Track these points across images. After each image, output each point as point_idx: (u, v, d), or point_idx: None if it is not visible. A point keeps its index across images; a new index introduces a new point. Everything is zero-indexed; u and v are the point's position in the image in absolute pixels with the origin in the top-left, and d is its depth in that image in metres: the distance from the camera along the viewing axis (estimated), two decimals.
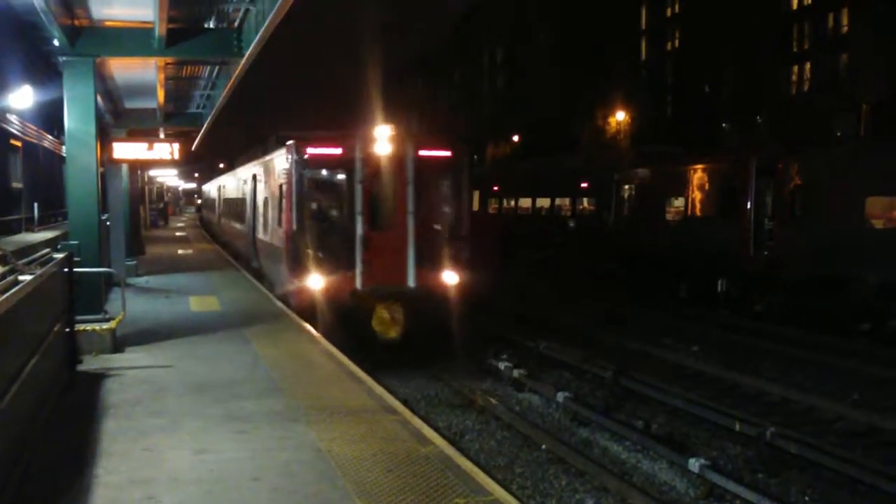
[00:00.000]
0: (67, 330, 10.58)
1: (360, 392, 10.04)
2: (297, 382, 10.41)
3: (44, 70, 21.17)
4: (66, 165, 15.00)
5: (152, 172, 45.94)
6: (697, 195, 22.78)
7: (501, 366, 14.33)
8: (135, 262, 23.36)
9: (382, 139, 14.85)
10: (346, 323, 14.28)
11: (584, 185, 30.19)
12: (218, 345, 13.00)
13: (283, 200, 15.70)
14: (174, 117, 28.39)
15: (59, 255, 11.37)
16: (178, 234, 48.28)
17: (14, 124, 19.26)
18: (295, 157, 14.98)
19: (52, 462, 7.36)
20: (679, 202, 23.86)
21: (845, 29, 54.42)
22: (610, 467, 9.90)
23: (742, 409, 11.92)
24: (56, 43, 14.45)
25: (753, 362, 15.30)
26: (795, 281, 18.89)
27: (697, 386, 13.68)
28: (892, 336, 16.56)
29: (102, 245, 16.08)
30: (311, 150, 14.96)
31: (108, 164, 20.60)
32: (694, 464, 9.31)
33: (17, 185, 20.98)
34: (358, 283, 14.57)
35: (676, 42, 68.80)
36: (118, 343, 12.53)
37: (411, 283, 14.82)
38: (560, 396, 12.42)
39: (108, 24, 14.35)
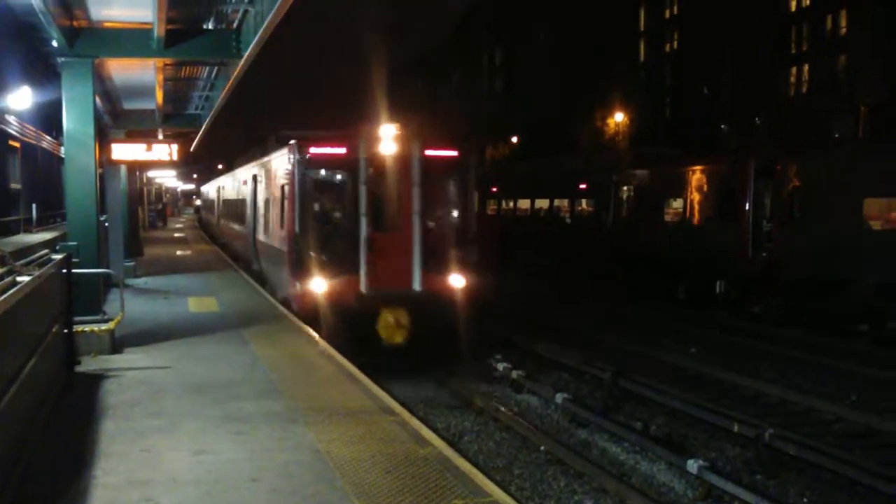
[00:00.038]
0: (66, 331, 10.57)
1: (359, 393, 10.04)
2: (296, 383, 10.40)
3: (42, 71, 21.16)
4: (65, 166, 15.00)
5: (151, 173, 45.92)
6: (696, 197, 22.79)
7: (500, 367, 14.33)
8: (133, 263, 23.35)
9: (387, 138, 14.54)
10: (351, 327, 13.93)
11: (582, 186, 30.22)
12: (216, 346, 13.00)
13: (285, 202, 15.39)
14: (173, 118, 28.38)
15: (58, 256, 11.36)
16: (176, 235, 48.25)
17: (13, 125, 19.27)
18: (297, 156, 14.68)
19: (51, 463, 7.36)
20: (677, 204, 23.87)
21: (844, 31, 54.51)
22: (609, 468, 9.90)
23: (741, 411, 11.92)
24: (55, 44, 14.44)
25: (752, 363, 15.30)
26: (794, 282, 18.90)
27: (696, 387, 13.68)
28: (890, 337, 16.59)
29: (101, 246, 16.08)
30: (313, 150, 14.65)
31: (106, 165, 20.58)
32: (692, 465, 9.31)
33: (15, 186, 20.99)
34: (362, 287, 14.21)
35: (675, 43, 68.87)
36: (117, 344, 12.52)
37: (417, 286, 14.47)
38: (559, 397, 12.43)
39: (106, 25, 14.35)
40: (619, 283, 24.91)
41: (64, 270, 10.57)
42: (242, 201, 24.33)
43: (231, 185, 29.63)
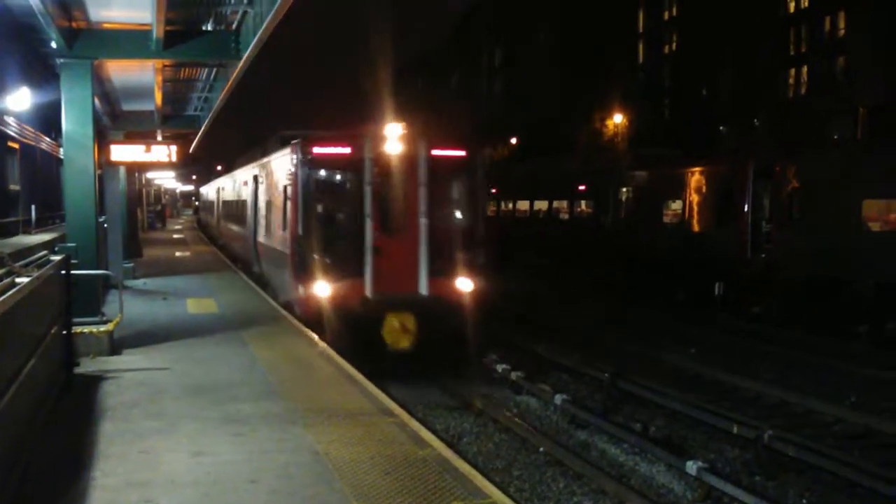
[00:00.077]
0: (65, 332, 10.54)
1: (358, 395, 10.03)
2: (295, 385, 10.39)
3: (41, 72, 21.15)
4: (64, 167, 15.00)
5: (150, 175, 45.88)
6: (695, 198, 22.81)
7: (499, 368, 14.31)
8: (132, 265, 23.31)
9: (393, 138, 14.14)
10: (355, 332, 13.52)
11: (581, 187, 30.23)
12: (215, 347, 12.98)
13: (288, 203, 15.04)
14: (172, 119, 28.37)
15: (57, 258, 11.35)
16: (175, 236, 48.24)
17: (11, 126, 19.25)
18: (300, 157, 14.32)
19: (50, 464, 7.35)
20: (676, 205, 23.89)
21: (842, 32, 54.57)
22: (608, 470, 9.90)
23: (740, 412, 11.93)
24: (54, 45, 14.43)
25: (751, 365, 15.31)
26: (793, 283, 18.91)
27: (695, 388, 13.68)
28: (889, 338, 16.58)
29: (100, 247, 16.06)
30: (317, 150, 14.30)
31: (105, 167, 20.57)
32: (692, 466, 9.31)
33: (14, 187, 20.97)
34: (367, 291, 13.81)
35: (674, 45, 68.94)
36: (115, 345, 12.51)
37: (423, 290, 14.03)
38: (558, 399, 12.42)
39: (105, 26, 14.34)
40: (618, 285, 24.91)
41: (63, 272, 10.56)
42: (243, 203, 24.12)
43: (231, 186, 29.51)
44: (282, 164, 16.28)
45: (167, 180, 63.52)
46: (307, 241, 14.26)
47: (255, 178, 20.67)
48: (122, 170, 23.41)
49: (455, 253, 14.42)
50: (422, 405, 12.53)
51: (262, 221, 19.53)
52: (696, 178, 22.80)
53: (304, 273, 14.25)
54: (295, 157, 14.58)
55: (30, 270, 10.58)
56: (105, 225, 20.67)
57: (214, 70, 20.65)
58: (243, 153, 28.27)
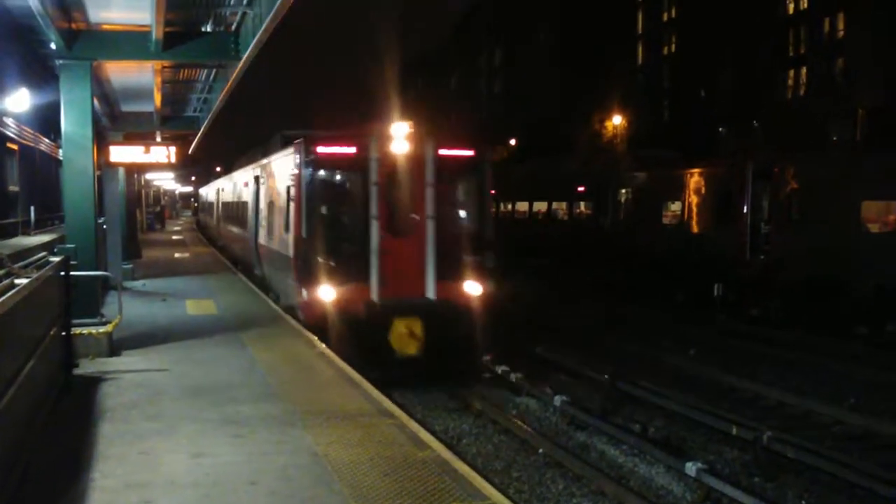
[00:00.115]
0: (64, 333, 10.54)
1: (357, 396, 10.02)
2: (294, 386, 10.39)
3: (40, 73, 21.15)
4: (63, 169, 15.01)
5: (149, 176, 45.86)
6: (694, 199, 22.83)
7: (499, 369, 14.31)
8: (131, 266, 23.30)
9: (399, 137, 13.72)
10: (360, 338, 13.12)
11: (580, 188, 30.24)
12: (215, 349, 12.97)
13: (291, 204, 14.66)
14: (171, 121, 28.37)
15: (56, 259, 11.35)
16: (174, 237, 48.24)
17: (11, 127, 19.26)
18: (304, 156, 13.90)
19: (49, 465, 7.34)
20: (676, 206, 23.92)
21: (841, 33, 54.58)
22: (607, 471, 9.91)
23: (739, 413, 11.94)
24: (53, 46, 14.43)
25: (750, 366, 15.32)
26: (792, 284, 18.93)
27: (694, 389, 13.68)
28: (888, 339, 16.60)
29: (99, 248, 16.05)
30: (321, 150, 13.84)
31: (104, 168, 20.56)
32: (691, 468, 9.32)
33: (13, 188, 20.98)
34: (373, 295, 13.40)
35: (673, 46, 68.98)
36: (115, 346, 12.50)
37: (431, 294, 13.65)
38: (557, 400, 12.42)
39: (105, 27, 14.34)
40: (618, 286, 24.91)
41: (62, 273, 10.56)
42: (243, 204, 23.83)
43: (231, 187, 29.33)
44: (284, 165, 15.92)
45: (166, 181, 63.49)
46: (311, 243, 13.85)
47: (257, 178, 20.36)
48: (121, 171, 23.40)
49: (463, 255, 14.05)
50: (421, 406, 12.54)
51: (263, 223, 19.18)
52: (695, 179, 22.82)
53: (307, 277, 13.81)
54: (298, 156, 14.21)
55: (29, 272, 10.59)
56: (104, 226, 20.66)
57: (214, 71, 20.66)
58: (244, 153, 28.05)
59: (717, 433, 11.25)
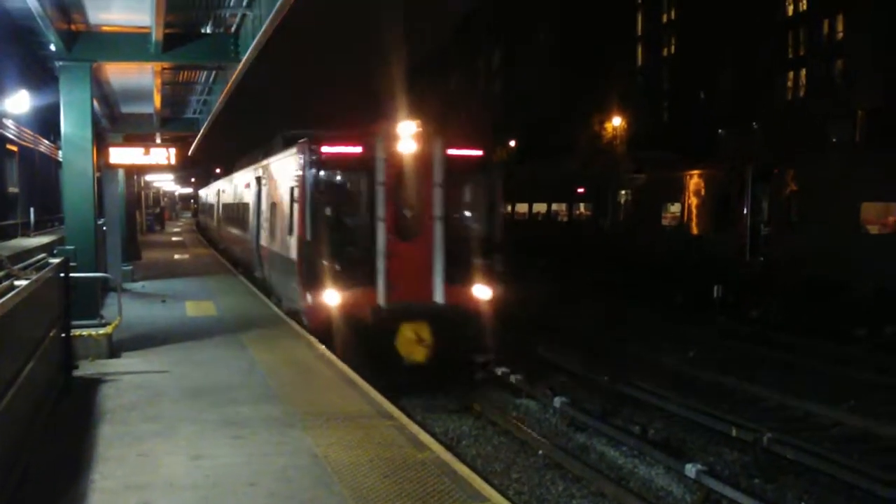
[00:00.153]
0: (63, 335, 10.54)
1: (357, 398, 10.02)
2: (294, 388, 10.39)
3: (40, 75, 21.18)
4: (63, 170, 15.02)
5: (149, 177, 45.88)
6: (693, 201, 22.83)
7: (498, 371, 14.30)
8: (131, 267, 23.30)
9: (406, 136, 13.29)
10: (366, 343, 12.77)
11: (580, 190, 30.25)
12: (214, 350, 12.97)
13: (295, 206, 14.28)
14: (171, 122, 28.41)
15: (55, 260, 11.35)
16: (174, 238, 48.23)
17: (10, 129, 19.27)
18: (308, 157, 13.51)
19: (49, 467, 7.34)
20: (675, 208, 23.92)
21: (840, 35, 54.61)
22: (607, 472, 9.90)
23: (738, 415, 11.93)
24: (53, 48, 14.45)
25: (750, 367, 15.31)
26: (792, 286, 18.93)
27: (694, 391, 13.68)
28: (888, 341, 16.59)
29: (99, 250, 16.06)
30: (326, 150, 13.44)
31: (104, 169, 20.56)
32: (691, 469, 9.32)
33: (13, 189, 21.00)
34: (380, 299, 13.04)
35: (672, 48, 69.01)
36: (114, 348, 12.49)
37: (439, 298, 13.29)
38: (557, 401, 12.42)
39: (104, 29, 14.36)
40: (617, 287, 24.92)
41: (62, 274, 10.56)
42: (245, 205, 23.55)
43: (231, 188, 29.16)
44: (287, 165, 15.59)
45: (166, 183, 63.48)
46: (315, 246, 13.41)
47: (259, 179, 20.06)
48: (120, 172, 23.41)
49: (472, 258, 13.69)
50: (421, 408, 12.52)
51: (265, 225, 18.86)
52: (694, 180, 22.82)
53: (311, 280, 13.39)
54: (302, 157, 13.84)
55: (28, 273, 10.59)
56: (104, 227, 20.66)
57: (213, 73, 20.69)
58: (245, 154, 27.85)
59: (716, 434, 11.25)
